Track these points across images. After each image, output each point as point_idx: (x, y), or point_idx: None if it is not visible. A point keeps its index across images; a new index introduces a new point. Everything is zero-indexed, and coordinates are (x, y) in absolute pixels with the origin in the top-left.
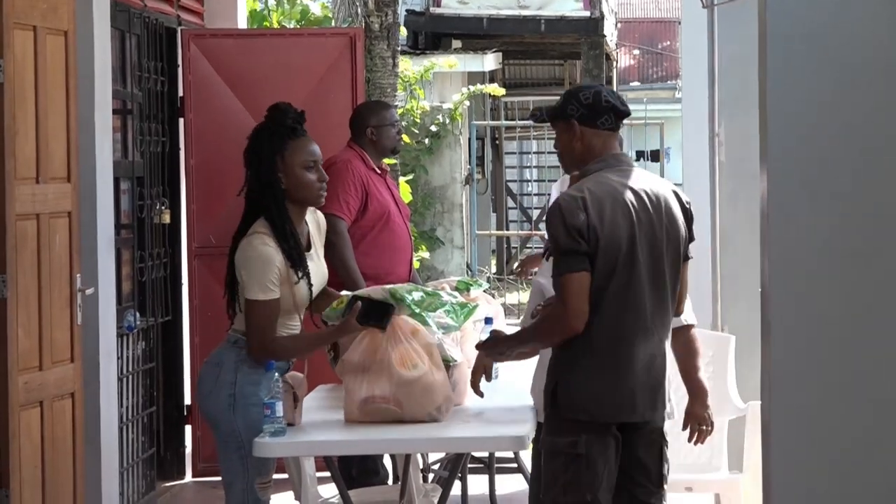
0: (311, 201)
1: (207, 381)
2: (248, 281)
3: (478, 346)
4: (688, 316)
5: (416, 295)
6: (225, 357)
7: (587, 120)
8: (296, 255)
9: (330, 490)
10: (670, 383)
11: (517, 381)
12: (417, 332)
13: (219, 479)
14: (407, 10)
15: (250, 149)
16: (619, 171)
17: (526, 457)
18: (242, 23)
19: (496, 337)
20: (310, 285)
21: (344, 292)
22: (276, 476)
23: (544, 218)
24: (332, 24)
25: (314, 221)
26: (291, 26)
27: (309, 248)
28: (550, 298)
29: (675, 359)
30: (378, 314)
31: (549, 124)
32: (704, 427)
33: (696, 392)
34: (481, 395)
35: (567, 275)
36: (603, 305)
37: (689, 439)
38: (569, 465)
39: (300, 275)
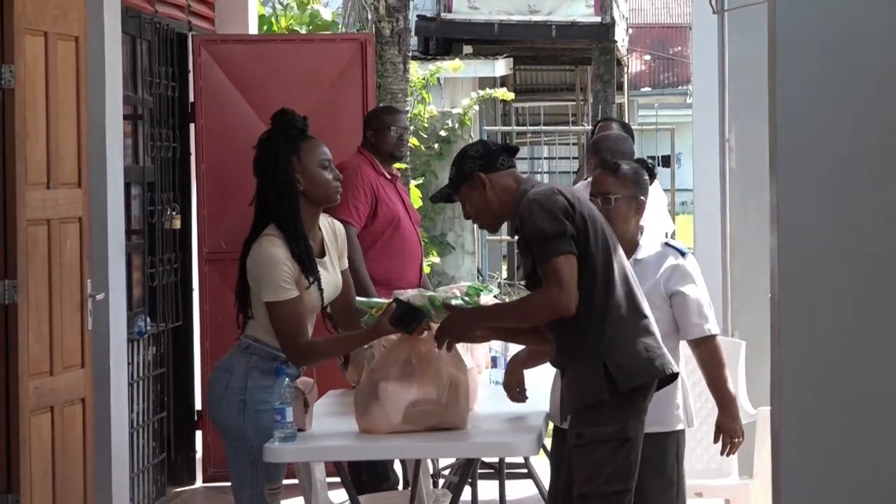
0: (328, 200)
1: (218, 386)
2: (262, 284)
3: (437, 335)
4: (711, 326)
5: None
6: (235, 363)
7: (488, 167)
8: (307, 260)
9: (340, 496)
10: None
11: (528, 386)
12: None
13: (229, 484)
14: (418, 16)
15: (262, 155)
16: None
17: (536, 462)
18: (253, 28)
19: (460, 313)
20: (320, 291)
21: (375, 299)
22: (286, 482)
23: (518, 224)
24: (342, 29)
25: (329, 229)
26: (301, 31)
27: (322, 254)
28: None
29: (701, 370)
30: (409, 318)
31: (554, 135)
32: (736, 440)
33: (726, 404)
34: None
35: (557, 257)
36: (613, 277)
37: (721, 452)
38: (617, 452)
39: (310, 279)
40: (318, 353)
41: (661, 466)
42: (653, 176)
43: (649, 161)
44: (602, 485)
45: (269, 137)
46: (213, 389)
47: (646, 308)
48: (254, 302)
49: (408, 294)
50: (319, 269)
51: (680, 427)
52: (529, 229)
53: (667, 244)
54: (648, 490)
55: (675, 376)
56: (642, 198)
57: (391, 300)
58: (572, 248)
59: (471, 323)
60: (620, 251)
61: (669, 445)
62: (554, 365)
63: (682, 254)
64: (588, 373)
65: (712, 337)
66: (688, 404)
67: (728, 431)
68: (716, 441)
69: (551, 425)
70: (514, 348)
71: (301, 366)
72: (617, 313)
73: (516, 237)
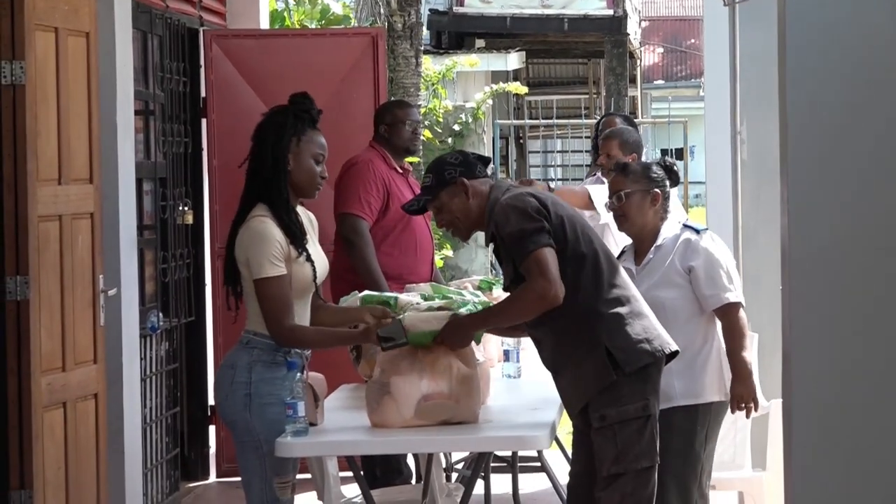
0: (307, 191)
1: (223, 383)
2: (252, 262)
3: (438, 341)
4: (729, 294)
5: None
6: (238, 359)
7: (469, 173)
8: (296, 231)
9: (353, 490)
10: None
11: (541, 379)
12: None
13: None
14: (430, 10)
15: (268, 124)
16: (518, 188)
17: (550, 456)
18: (265, 23)
19: (457, 323)
20: (313, 266)
21: (365, 292)
22: (299, 476)
23: (493, 230)
24: (354, 23)
25: (305, 216)
26: (312, 26)
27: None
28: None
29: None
30: (392, 340)
31: (566, 128)
32: (745, 405)
33: (738, 372)
34: None
35: (538, 250)
36: (601, 264)
37: (733, 411)
38: (643, 430)
39: (300, 251)
40: (302, 340)
41: (690, 438)
42: (673, 175)
43: (668, 160)
44: (632, 462)
45: (281, 111)
46: (218, 386)
47: (636, 292)
48: (245, 290)
49: (419, 288)
50: (310, 247)
51: (712, 399)
52: (508, 232)
53: (684, 225)
54: (673, 463)
55: (675, 354)
56: (656, 189)
57: (397, 316)
58: (550, 241)
59: (468, 330)
60: (598, 239)
61: (700, 418)
62: (547, 366)
63: (697, 231)
64: (591, 360)
65: (729, 305)
66: (722, 377)
67: (736, 397)
68: (732, 411)
69: (565, 415)
70: (526, 341)
71: (283, 347)
72: (609, 298)
73: (491, 245)
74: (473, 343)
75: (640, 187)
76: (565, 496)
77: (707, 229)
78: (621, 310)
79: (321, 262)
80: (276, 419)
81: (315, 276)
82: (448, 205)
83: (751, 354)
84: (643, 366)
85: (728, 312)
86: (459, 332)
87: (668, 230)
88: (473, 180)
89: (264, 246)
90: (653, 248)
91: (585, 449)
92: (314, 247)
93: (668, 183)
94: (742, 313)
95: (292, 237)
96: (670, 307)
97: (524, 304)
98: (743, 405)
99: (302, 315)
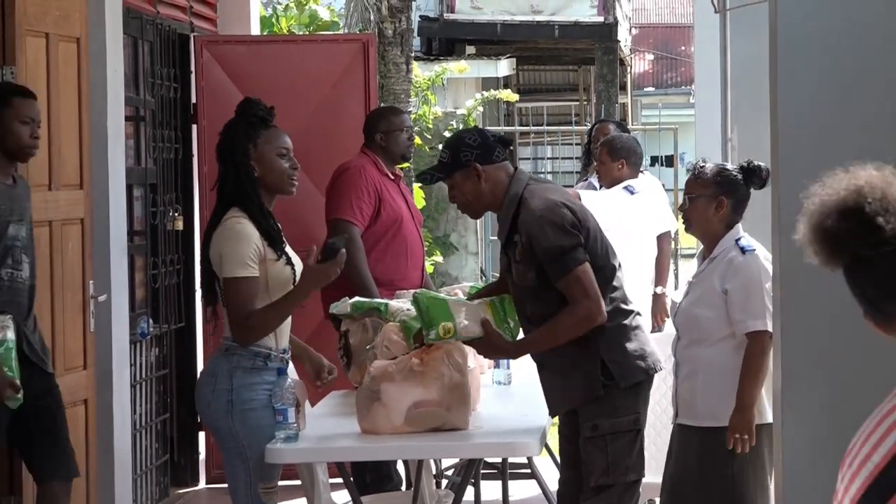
0: (282, 188)
1: (205, 392)
2: (224, 260)
3: (474, 347)
4: (755, 322)
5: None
6: (218, 366)
7: (485, 158)
8: (274, 233)
9: (343, 496)
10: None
11: (531, 386)
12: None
13: None
14: (420, 16)
15: (222, 141)
16: (538, 182)
17: (540, 462)
18: (255, 29)
19: (497, 346)
20: (292, 267)
21: (356, 298)
22: (289, 483)
23: (527, 240)
24: (343, 29)
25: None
26: (300, 32)
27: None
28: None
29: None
30: (331, 252)
31: (557, 135)
32: (738, 436)
33: (738, 403)
34: None
35: (577, 268)
36: (614, 277)
37: (728, 446)
38: (633, 443)
39: (279, 253)
40: (262, 323)
41: (711, 460)
42: (755, 177)
43: (753, 162)
44: (621, 475)
45: (230, 124)
46: (201, 395)
47: (634, 305)
48: (222, 297)
49: (409, 294)
50: (288, 250)
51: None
52: (544, 247)
53: (736, 240)
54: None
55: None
56: (722, 196)
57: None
58: (586, 256)
59: (507, 356)
60: (611, 249)
61: (720, 439)
62: (535, 357)
63: (744, 251)
64: (584, 369)
65: (753, 334)
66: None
67: (730, 427)
68: (727, 442)
69: (555, 421)
70: None
71: (248, 343)
72: (612, 310)
73: (518, 242)
74: (465, 349)
75: (707, 192)
76: (555, 503)
77: (755, 250)
78: (623, 322)
79: (299, 265)
80: (259, 424)
81: (295, 278)
82: (461, 185)
83: (761, 387)
84: (637, 382)
85: (753, 340)
86: (497, 353)
87: (726, 241)
88: (488, 165)
89: (239, 245)
90: (707, 259)
91: (571, 456)
92: (292, 253)
93: (742, 187)
94: (767, 343)
95: (270, 239)
96: (705, 326)
97: (571, 328)
98: (737, 436)
99: None
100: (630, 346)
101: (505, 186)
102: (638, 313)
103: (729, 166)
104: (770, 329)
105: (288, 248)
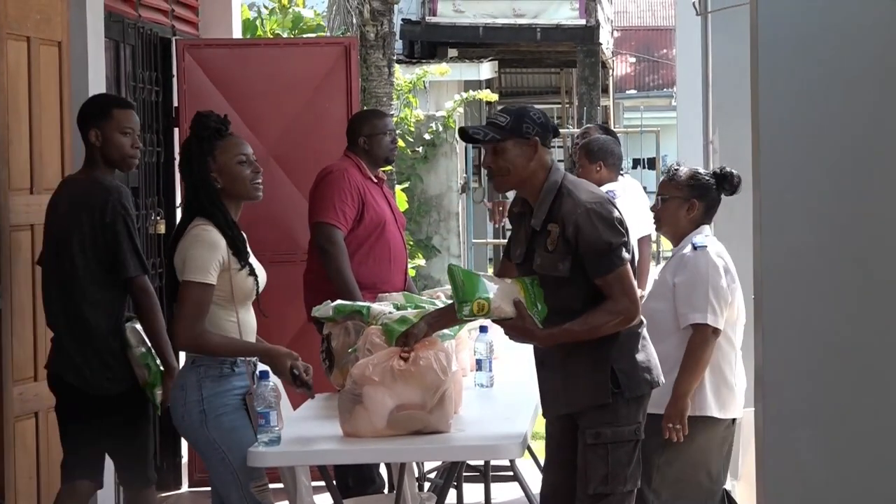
0: (247, 195)
1: (177, 405)
2: (187, 264)
3: (502, 325)
4: (697, 315)
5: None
6: (186, 379)
7: (544, 139)
8: (239, 244)
9: (325, 499)
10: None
11: (513, 388)
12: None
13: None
14: (403, 20)
15: (180, 159)
16: (574, 177)
17: (522, 465)
18: (237, 33)
19: (530, 333)
20: (255, 277)
21: (338, 301)
22: (272, 486)
23: (573, 232)
24: (327, 32)
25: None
26: (285, 35)
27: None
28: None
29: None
30: (301, 382)
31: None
32: (671, 425)
33: (674, 394)
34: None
35: (621, 267)
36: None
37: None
38: (632, 453)
39: (242, 263)
40: (207, 346)
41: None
42: (727, 183)
43: (725, 168)
44: (620, 484)
45: (186, 141)
46: (174, 410)
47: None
48: None
49: (392, 298)
50: (252, 260)
51: (706, 413)
52: (592, 240)
53: (693, 238)
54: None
55: None
56: (694, 199)
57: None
58: (628, 256)
59: (541, 342)
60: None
61: (655, 427)
62: (538, 356)
63: (696, 247)
64: (595, 374)
65: (695, 326)
66: (720, 392)
67: (665, 417)
68: (663, 431)
69: (537, 424)
70: (499, 350)
71: (181, 350)
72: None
73: (552, 232)
74: (448, 350)
75: (679, 194)
76: None
77: (706, 246)
78: (636, 331)
79: (262, 276)
80: (233, 426)
81: (257, 288)
82: (510, 153)
83: (698, 379)
84: (641, 394)
85: (694, 332)
86: (527, 338)
87: (687, 239)
88: (544, 147)
89: (204, 251)
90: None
91: (562, 460)
92: (256, 262)
93: (714, 192)
94: (709, 337)
95: (235, 249)
96: (658, 319)
97: (608, 325)
98: (670, 426)
99: (247, 320)
100: (639, 357)
101: (545, 173)
102: (644, 323)
103: (702, 171)
104: (711, 323)
105: (252, 259)
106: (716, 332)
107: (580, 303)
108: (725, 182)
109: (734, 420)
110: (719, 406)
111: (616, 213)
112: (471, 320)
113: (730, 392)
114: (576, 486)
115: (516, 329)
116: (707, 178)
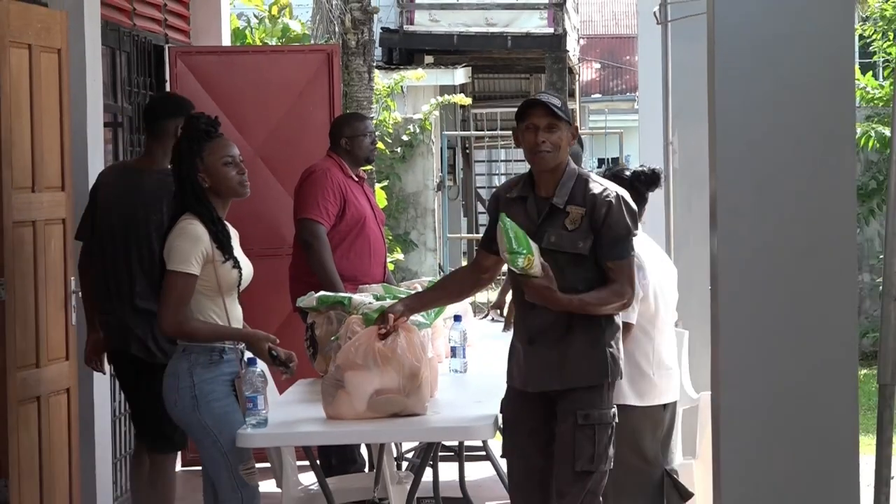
0: (232, 193)
1: (170, 393)
2: (171, 254)
3: (525, 283)
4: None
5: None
6: (177, 367)
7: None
8: (223, 238)
9: (309, 478)
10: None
11: (485, 374)
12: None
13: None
14: (382, 28)
15: (172, 160)
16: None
17: (494, 445)
18: (227, 40)
19: (550, 295)
20: (239, 270)
21: (322, 293)
22: (259, 465)
23: (603, 213)
24: (311, 41)
25: (232, 230)
26: (273, 43)
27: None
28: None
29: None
30: (280, 363)
31: (510, 139)
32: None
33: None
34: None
35: (631, 256)
36: None
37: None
38: (611, 436)
39: (226, 256)
40: (190, 330)
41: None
42: (641, 182)
43: (648, 168)
44: (602, 464)
45: (176, 143)
46: (166, 397)
47: None
48: None
49: (372, 289)
50: (237, 254)
51: (623, 402)
52: (617, 225)
53: None
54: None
55: None
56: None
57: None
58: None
59: (555, 305)
60: None
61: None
62: (533, 333)
63: None
64: (593, 354)
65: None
66: (635, 382)
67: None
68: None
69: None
70: (472, 338)
71: (165, 335)
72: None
73: (574, 212)
74: (424, 338)
75: None
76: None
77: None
78: (617, 322)
79: (248, 268)
80: (224, 411)
81: (240, 280)
82: (563, 133)
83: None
84: (617, 380)
85: None
86: (547, 300)
87: None
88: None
89: (188, 243)
90: None
91: (542, 441)
92: (242, 256)
93: (633, 190)
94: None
95: (219, 243)
96: None
97: (610, 305)
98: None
99: (233, 309)
100: (622, 345)
101: (567, 159)
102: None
103: (628, 171)
104: (623, 318)
105: (238, 252)
106: (627, 325)
107: (584, 285)
108: (637, 181)
109: (665, 406)
110: (636, 394)
111: (635, 207)
112: (519, 273)
113: (646, 381)
114: (552, 467)
115: (540, 289)
116: (625, 177)
